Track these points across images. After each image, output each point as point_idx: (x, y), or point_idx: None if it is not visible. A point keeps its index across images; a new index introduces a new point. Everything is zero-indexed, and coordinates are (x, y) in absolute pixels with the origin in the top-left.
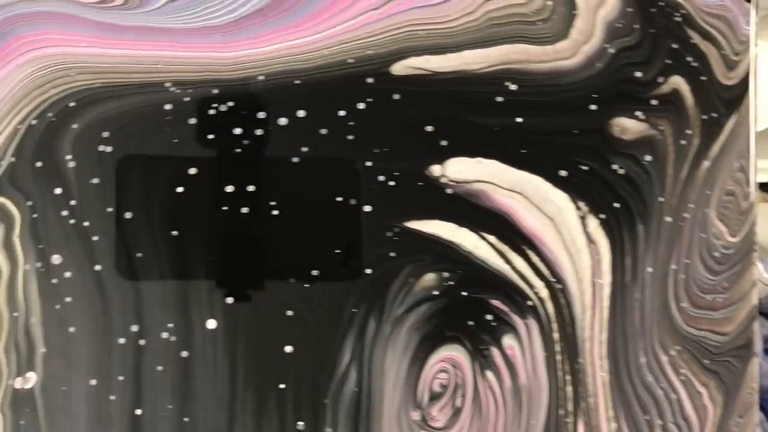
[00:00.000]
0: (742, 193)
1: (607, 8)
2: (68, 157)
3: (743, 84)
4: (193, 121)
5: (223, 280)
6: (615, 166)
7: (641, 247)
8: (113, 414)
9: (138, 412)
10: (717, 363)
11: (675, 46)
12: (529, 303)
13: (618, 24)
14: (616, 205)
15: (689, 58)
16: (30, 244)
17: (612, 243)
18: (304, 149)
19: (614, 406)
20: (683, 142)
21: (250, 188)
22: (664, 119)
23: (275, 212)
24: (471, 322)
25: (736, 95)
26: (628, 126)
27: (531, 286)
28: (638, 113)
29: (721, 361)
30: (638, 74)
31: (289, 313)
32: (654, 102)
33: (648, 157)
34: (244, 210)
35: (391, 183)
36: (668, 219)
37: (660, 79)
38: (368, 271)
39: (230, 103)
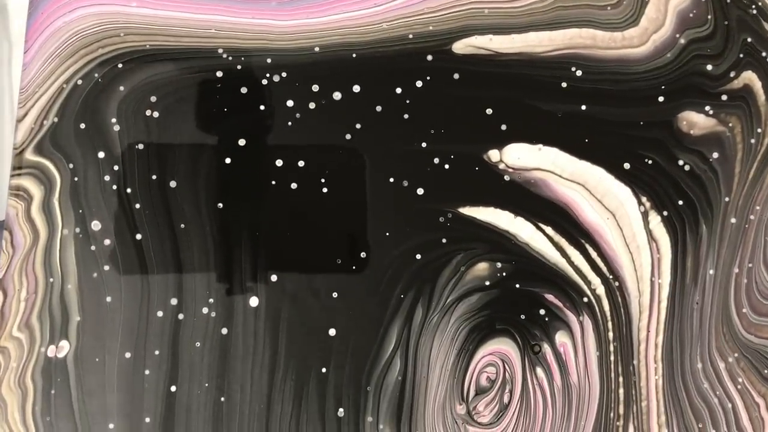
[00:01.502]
0: None
1: None
2: (113, 120)
3: None
4: (244, 90)
5: (268, 257)
6: (681, 162)
7: (704, 247)
8: (148, 389)
9: (173, 388)
10: None
11: (749, 39)
12: (585, 299)
13: (691, 13)
14: (680, 202)
15: (764, 53)
16: (69, 208)
17: (674, 242)
18: (358, 126)
19: (667, 412)
20: (753, 140)
21: (300, 163)
22: (734, 116)
23: (325, 190)
24: (523, 316)
25: None
26: (696, 121)
27: (588, 282)
28: (707, 108)
29: None
30: (709, 67)
31: (335, 294)
32: (724, 97)
33: (715, 155)
34: (293, 186)
35: (446, 166)
36: (733, 220)
37: (732, 74)
38: (418, 256)
39: (284, 74)
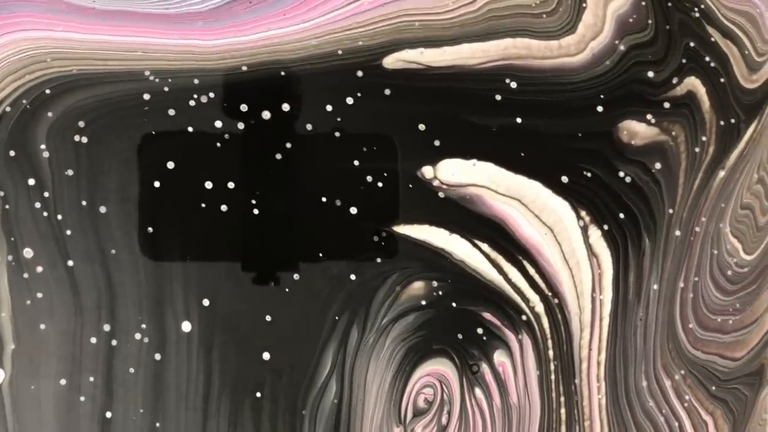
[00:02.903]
0: (761, 207)
1: (619, 1)
2: (42, 146)
3: (767, 87)
4: (172, 112)
5: (199, 281)
6: (621, 174)
7: (647, 262)
8: (83, 416)
9: (108, 415)
10: (725, 390)
11: (692, 44)
12: (524, 318)
13: (630, 18)
14: (621, 215)
15: (707, 58)
16: (1, 236)
17: (615, 257)
18: (288, 145)
19: None
20: (697, 149)
21: (230, 185)
22: (677, 124)
23: (255, 211)
24: (460, 336)
25: (758, 100)
26: (637, 130)
27: (526, 299)
28: (649, 117)
29: (729, 388)
30: (650, 74)
31: (268, 318)
32: (666, 105)
33: (658, 165)
34: (224, 208)
35: (380, 184)
36: (677, 233)
37: (674, 80)
38: (353, 277)
39: (211, 94)
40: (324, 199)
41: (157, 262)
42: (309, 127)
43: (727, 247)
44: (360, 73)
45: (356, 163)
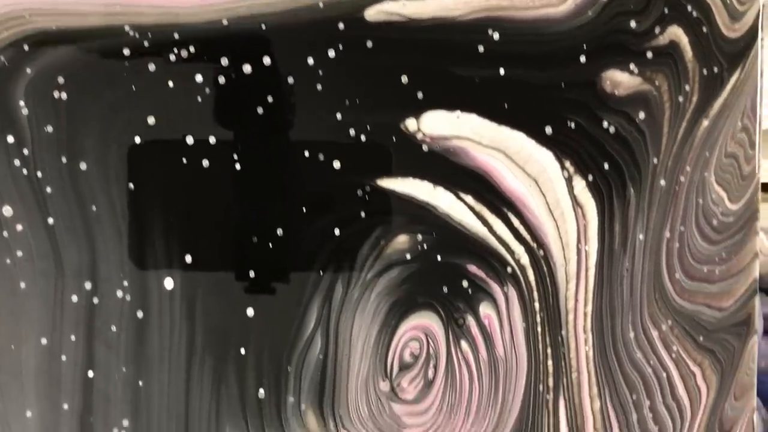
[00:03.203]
0: (745, 155)
1: None
2: (21, 103)
3: (749, 36)
4: (152, 67)
5: (182, 237)
6: (605, 124)
7: (632, 212)
8: (64, 375)
9: (90, 374)
10: (712, 340)
11: None
12: (509, 270)
13: None
14: (606, 166)
15: (689, 8)
16: None
17: (600, 207)
18: (270, 99)
19: (598, 384)
20: (681, 98)
21: (212, 140)
22: (660, 73)
23: (237, 166)
24: (445, 289)
25: (741, 49)
26: (621, 80)
27: (511, 251)
28: (632, 66)
29: (716, 338)
30: (633, 24)
31: (252, 273)
32: (649, 55)
33: (641, 115)
34: (205, 163)
35: (363, 138)
36: (662, 182)
37: (656, 30)
38: (337, 232)
39: (191, 49)
40: (307, 154)
41: (138, 219)
42: (290, 80)
43: (713, 196)
44: (341, 26)
45: (339, 116)
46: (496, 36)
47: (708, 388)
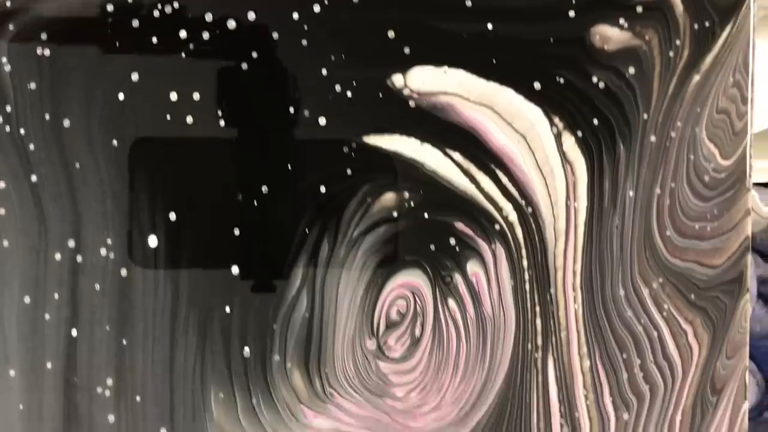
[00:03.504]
0: (737, 111)
1: None
2: (4, 60)
3: None
4: (136, 23)
5: (166, 194)
6: (595, 79)
7: (622, 168)
8: (47, 333)
9: (74, 332)
10: (704, 298)
11: None
12: (497, 227)
13: None
14: (595, 121)
15: None
16: None
17: (589, 163)
18: (254, 55)
19: (588, 342)
20: (671, 53)
21: (195, 96)
22: (650, 28)
23: (222, 123)
24: (433, 247)
25: (733, 2)
26: (610, 35)
27: (499, 208)
28: (621, 21)
29: (708, 296)
30: None
31: (237, 231)
32: (639, 9)
33: (631, 70)
34: (189, 120)
35: (349, 94)
36: (653, 138)
37: None
38: (323, 189)
39: (175, 4)
40: (292, 110)
41: (122, 176)
42: (275, 35)
43: (704, 152)
44: None
45: (324, 72)
46: None
47: (700, 346)
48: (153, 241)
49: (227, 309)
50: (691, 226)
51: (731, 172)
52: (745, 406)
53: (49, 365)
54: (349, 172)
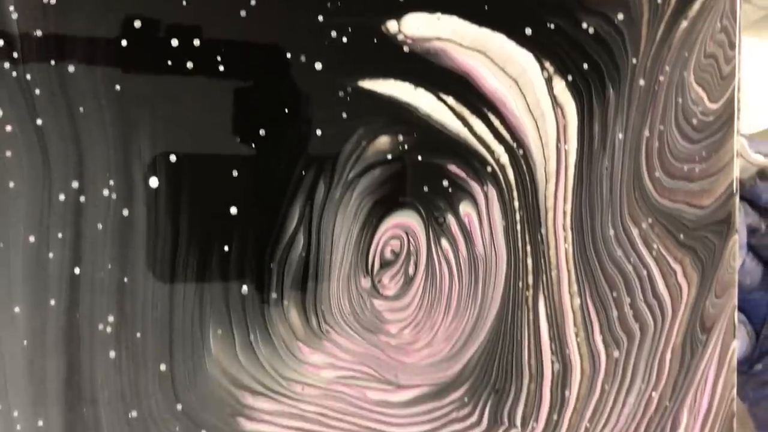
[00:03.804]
0: (724, 56)
1: None
2: (11, 8)
3: None
4: None
5: (167, 137)
6: (584, 25)
7: (611, 112)
8: (51, 272)
9: (77, 271)
10: (693, 238)
11: None
12: (489, 169)
13: None
14: (585, 66)
15: None
16: None
17: (579, 107)
18: (252, 2)
19: (578, 281)
20: (659, 0)
21: (196, 42)
22: None
23: (221, 68)
24: (426, 188)
25: None
26: None
27: (491, 151)
28: None
29: (697, 236)
30: None
31: (235, 173)
32: None
33: (620, 16)
34: (189, 65)
35: (344, 39)
36: (641, 82)
37: None
38: (318, 132)
39: None
40: (289, 55)
41: (124, 119)
42: None
43: (692, 95)
44: None
45: (320, 18)
46: None
47: (689, 285)
48: (154, 182)
49: (225, 248)
50: (680, 168)
51: (719, 115)
52: (734, 344)
53: (52, 302)
54: (344, 115)
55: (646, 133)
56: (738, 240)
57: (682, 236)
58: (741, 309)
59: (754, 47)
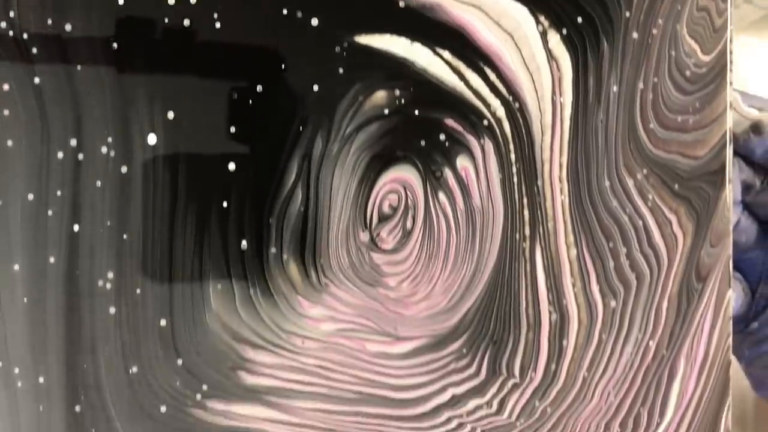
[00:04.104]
0: (716, 8)
1: None
2: None
3: None
4: None
5: (164, 94)
6: None
7: (606, 65)
8: (50, 229)
9: (76, 228)
10: (688, 188)
11: None
12: (485, 122)
13: None
14: (579, 19)
15: None
16: None
17: (574, 60)
18: None
19: (575, 232)
20: None
21: (192, 0)
22: None
23: (218, 25)
24: (423, 142)
25: None
26: None
27: (487, 104)
28: None
29: (692, 186)
30: None
31: (233, 129)
32: None
33: None
34: (186, 22)
35: None
36: (635, 35)
37: None
38: (315, 87)
39: None
40: (285, 11)
41: (121, 76)
42: None
43: (685, 48)
44: None
45: None
46: None
47: (684, 235)
48: (152, 139)
49: (224, 204)
50: (674, 119)
51: (711, 67)
52: (729, 293)
53: (51, 259)
54: (341, 70)
55: (641, 85)
56: (732, 191)
57: (676, 186)
58: (737, 268)
59: (754, 47)
